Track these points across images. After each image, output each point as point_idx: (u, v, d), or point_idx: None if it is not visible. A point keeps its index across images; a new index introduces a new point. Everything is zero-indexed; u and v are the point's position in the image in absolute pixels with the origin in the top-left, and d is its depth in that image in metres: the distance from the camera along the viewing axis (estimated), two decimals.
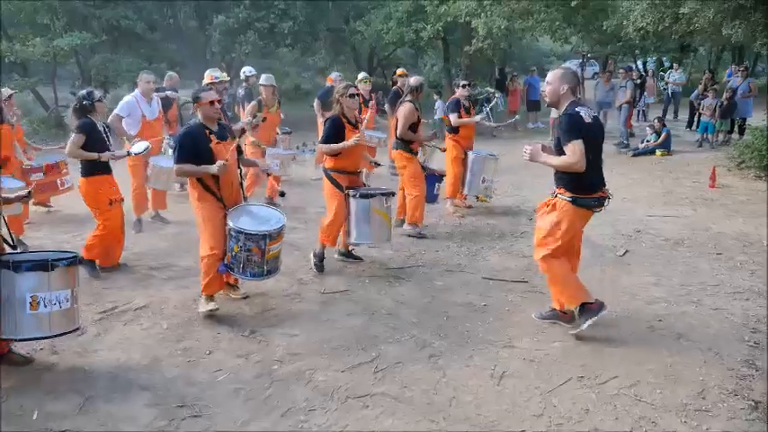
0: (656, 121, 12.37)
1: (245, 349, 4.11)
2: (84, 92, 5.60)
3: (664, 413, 3.35)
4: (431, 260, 5.89)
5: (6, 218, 3.99)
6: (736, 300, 4.86)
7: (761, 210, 7.35)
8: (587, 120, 3.98)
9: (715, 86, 13.48)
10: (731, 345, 4.10)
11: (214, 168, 4.48)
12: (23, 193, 4.36)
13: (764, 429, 3.22)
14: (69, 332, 3.81)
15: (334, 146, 5.37)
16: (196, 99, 4.70)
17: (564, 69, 4.34)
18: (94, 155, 5.32)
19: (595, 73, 27.90)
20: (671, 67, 18.61)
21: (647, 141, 12.04)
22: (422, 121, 6.80)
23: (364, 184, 5.78)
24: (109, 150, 5.44)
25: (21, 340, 3.78)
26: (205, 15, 15.70)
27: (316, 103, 9.94)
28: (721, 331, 4.32)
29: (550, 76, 4.26)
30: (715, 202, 8.01)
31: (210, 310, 4.57)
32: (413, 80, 7.03)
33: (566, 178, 4.08)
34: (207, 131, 4.63)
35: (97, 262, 5.49)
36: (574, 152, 3.89)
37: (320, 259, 5.60)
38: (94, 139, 5.36)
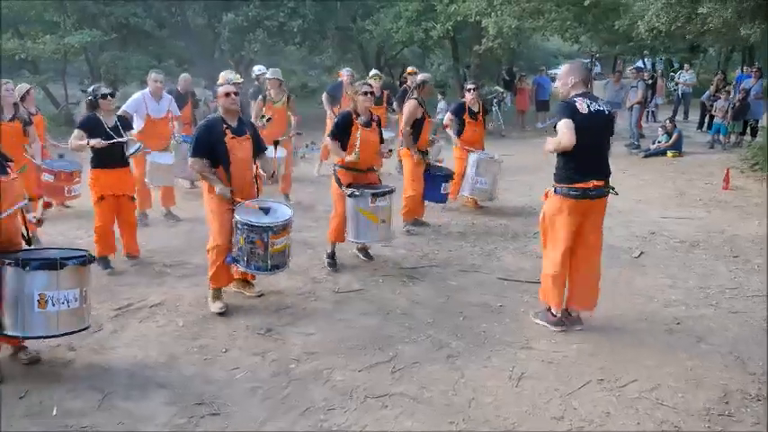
0: (667, 121, 12.30)
1: (262, 347, 4.10)
2: (91, 88, 5.67)
3: (686, 417, 3.32)
4: (444, 260, 5.87)
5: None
6: (755, 303, 4.82)
7: None
8: (582, 109, 4.00)
9: (727, 87, 13.40)
10: (751, 349, 4.07)
11: (217, 189, 4.55)
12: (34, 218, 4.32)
13: None
14: (77, 331, 3.75)
15: (340, 151, 5.41)
16: (216, 93, 4.77)
17: (573, 63, 4.40)
18: (84, 141, 5.31)
19: (597, 73, 27.85)
20: (681, 68, 18.52)
21: (659, 142, 11.97)
22: (428, 119, 6.72)
23: (380, 182, 5.74)
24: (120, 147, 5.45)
25: (28, 338, 3.73)
26: (214, 13, 15.70)
27: (324, 96, 9.93)
28: (741, 335, 4.28)
29: (560, 71, 4.31)
30: (729, 204, 7.96)
31: (219, 309, 4.60)
32: (419, 76, 7.01)
33: (556, 168, 4.19)
34: (224, 126, 4.64)
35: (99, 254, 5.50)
36: (560, 130, 3.99)
37: (330, 256, 5.62)
38: (98, 134, 5.34)
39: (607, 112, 4.14)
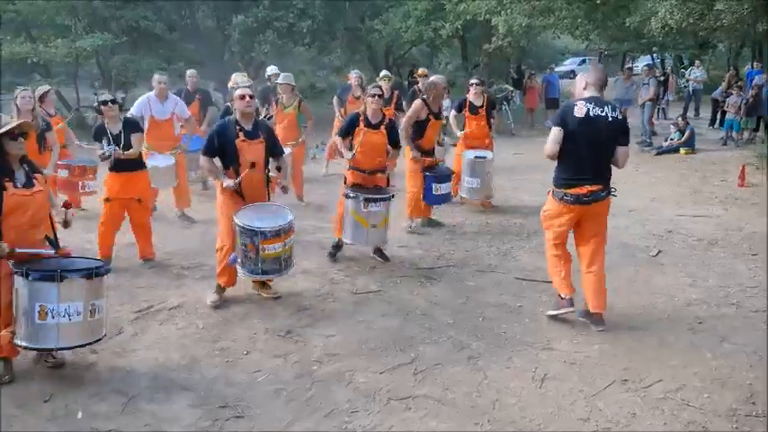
0: (679, 119, 12.23)
1: (283, 349, 4.10)
2: (96, 94, 5.76)
3: (713, 418, 3.29)
4: (461, 260, 5.85)
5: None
6: None
7: None
8: (579, 113, 4.04)
9: (739, 83, 13.31)
10: None
11: (225, 182, 4.66)
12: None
13: None
14: (77, 346, 3.67)
15: (346, 150, 5.63)
16: (226, 95, 4.82)
17: (591, 67, 4.50)
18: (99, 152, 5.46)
19: None
20: (692, 65, 18.41)
21: (671, 140, 11.90)
22: (435, 121, 6.58)
23: (388, 185, 5.72)
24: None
25: (30, 348, 3.64)
26: (224, 15, 15.74)
27: (335, 99, 9.98)
28: (764, 334, 4.24)
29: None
30: (746, 202, 7.90)
31: (212, 302, 4.77)
32: (431, 78, 6.98)
33: (554, 171, 4.31)
34: (237, 128, 4.70)
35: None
36: (548, 137, 4.15)
37: (333, 247, 5.83)
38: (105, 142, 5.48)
39: (611, 119, 4.06)
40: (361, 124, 5.57)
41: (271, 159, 4.97)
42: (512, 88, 16.92)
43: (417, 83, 9.87)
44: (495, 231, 6.79)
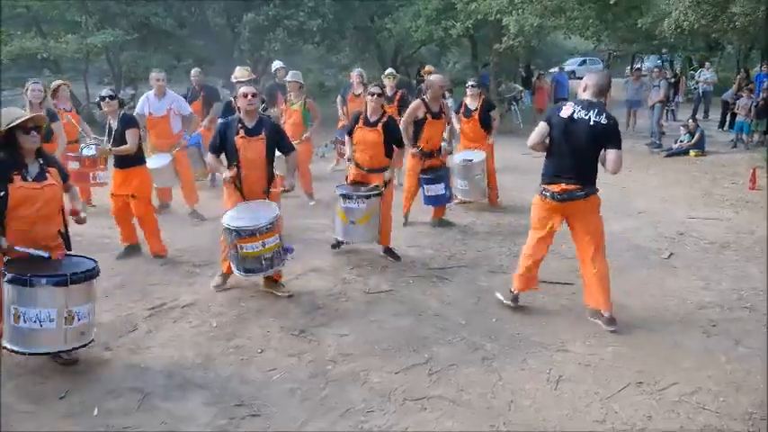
0: (690, 121, 12.18)
1: (297, 348, 4.11)
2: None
3: (729, 421, 3.29)
4: (472, 260, 5.85)
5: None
6: None
7: None
8: (564, 113, 4.20)
9: (749, 86, 13.25)
10: None
11: (224, 174, 4.82)
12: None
13: None
14: (45, 354, 3.63)
15: (348, 150, 5.92)
16: (233, 91, 4.93)
17: (593, 71, 4.61)
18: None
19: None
20: (701, 66, 18.33)
21: (681, 141, 11.86)
22: (433, 120, 6.50)
23: (385, 183, 5.67)
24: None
25: (8, 350, 3.60)
26: (234, 13, 15.75)
27: (338, 98, 10.05)
28: None
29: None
30: (757, 205, 7.86)
31: (214, 285, 5.02)
32: (431, 76, 6.99)
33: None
34: (239, 125, 4.78)
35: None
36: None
37: (336, 239, 5.96)
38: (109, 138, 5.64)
39: (593, 122, 4.12)
40: (360, 122, 5.72)
41: (278, 156, 5.02)
42: (521, 88, 16.89)
43: (424, 80, 9.88)
44: (505, 232, 6.78)
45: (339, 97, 9.90)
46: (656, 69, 13.54)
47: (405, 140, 6.30)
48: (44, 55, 13.74)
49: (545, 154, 4.40)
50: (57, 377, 3.73)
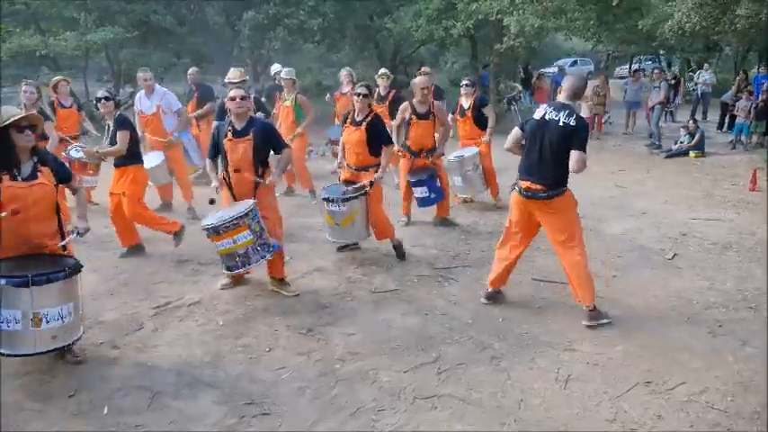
0: (690, 122, 12.21)
1: (305, 347, 4.10)
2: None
3: (738, 420, 3.30)
4: (477, 260, 5.85)
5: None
6: None
7: None
8: (537, 115, 4.37)
9: (749, 87, 13.29)
10: None
11: (212, 183, 4.96)
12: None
13: None
14: (20, 356, 3.54)
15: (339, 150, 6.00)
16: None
17: (570, 74, 4.84)
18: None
19: (589, 72, 27.78)
20: (700, 68, 18.39)
21: (681, 142, 11.89)
22: (419, 120, 6.53)
23: (371, 182, 5.61)
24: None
25: None
26: (233, 11, 15.72)
27: (327, 97, 10.22)
28: None
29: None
30: (757, 206, 7.88)
31: (220, 285, 5.06)
32: (416, 79, 7.00)
33: None
34: (229, 128, 4.85)
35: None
36: None
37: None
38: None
39: (561, 123, 4.21)
40: (348, 122, 5.79)
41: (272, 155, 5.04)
42: (521, 88, 16.91)
43: None
44: None
45: (328, 95, 10.22)
46: (656, 71, 13.55)
47: (393, 139, 6.33)
48: (43, 52, 13.69)
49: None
50: (64, 376, 3.73)
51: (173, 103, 7.48)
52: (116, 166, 5.77)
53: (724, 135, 13.87)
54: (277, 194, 5.49)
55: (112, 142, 5.64)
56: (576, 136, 4.20)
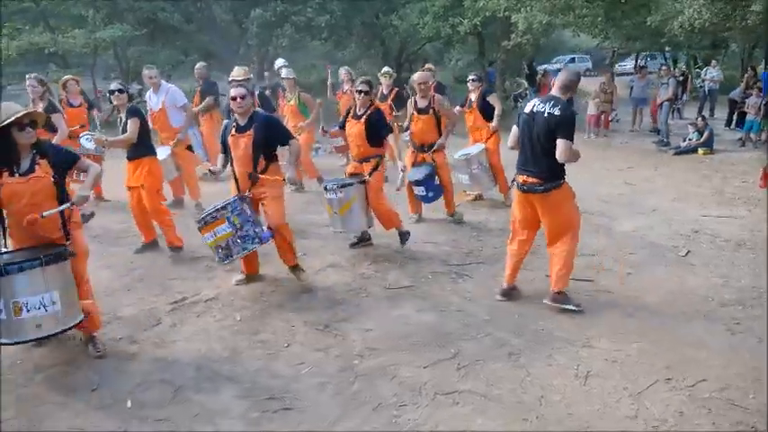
0: (699, 119, 12.18)
1: (323, 343, 4.12)
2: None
3: (761, 418, 3.30)
4: (490, 256, 5.86)
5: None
6: None
7: None
8: (526, 109, 4.48)
9: (758, 84, 13.24)
10: None
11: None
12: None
13: None
14: (11, 344, 3.52)
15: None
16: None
17: (565, 69, 4.81)
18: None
19: (587, 69, 27.73)
20: (707, 65, 18.33)
21: (689, 140, 11.87)
22: (419, 115, 6.61)
23: (370, 175, 5.69)
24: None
25: None
26: (241, 9, 15.73)
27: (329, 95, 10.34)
28: None
29: None
30: None
31: (234, 281, 5.11)
32: (414, 75, 7.10)
33: None
34: (233, 125, 4.96)
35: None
36: None
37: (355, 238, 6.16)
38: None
39: (547, 114, 4.27)
40: (350, 116, 5.92)
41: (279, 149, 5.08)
42: (527, 84, 16.89)
43: None
44: None
45: (329, 92, 10.45)
46: (664, 68, 13.51)
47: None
48: (52, 49, 13.72)
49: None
50: (86, 369, 3.75)
51: (177, 98, 7.50)
52: (129, 158, 5.75)
53: (732, 132, 13.84)
54: (287, 191, 5.52)
55: (125, 133, 5.64)
56: (561, 125, 4.25)
